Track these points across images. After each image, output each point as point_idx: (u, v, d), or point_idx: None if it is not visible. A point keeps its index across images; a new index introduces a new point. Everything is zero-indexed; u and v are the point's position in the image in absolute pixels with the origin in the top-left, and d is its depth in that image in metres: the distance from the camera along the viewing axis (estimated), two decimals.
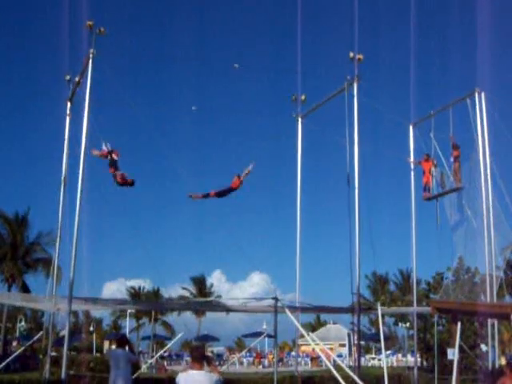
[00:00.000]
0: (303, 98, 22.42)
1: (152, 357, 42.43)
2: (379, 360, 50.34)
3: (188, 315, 70.75)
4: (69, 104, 19.09)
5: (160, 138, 17.76)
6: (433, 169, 23.16)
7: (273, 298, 16.54)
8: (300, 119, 22.82)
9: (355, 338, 22.73)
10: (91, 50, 16.17)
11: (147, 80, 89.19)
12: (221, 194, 18.76)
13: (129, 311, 57.21)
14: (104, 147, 17.10)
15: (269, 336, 39.92)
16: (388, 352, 55.97)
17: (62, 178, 18.53)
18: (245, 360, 55.40)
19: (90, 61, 16.09)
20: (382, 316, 21.39)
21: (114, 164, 17.09)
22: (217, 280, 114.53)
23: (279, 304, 16.45)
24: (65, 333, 17.58)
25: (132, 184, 17.31)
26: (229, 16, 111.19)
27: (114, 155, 17.08)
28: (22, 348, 30.44)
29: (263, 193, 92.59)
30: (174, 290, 77.25)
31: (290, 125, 22.90)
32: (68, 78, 18.88)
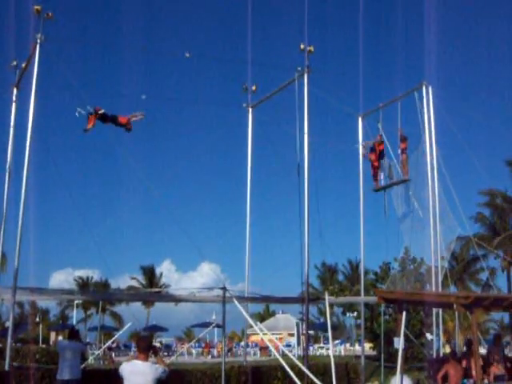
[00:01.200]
0: (254, 88, 22.43)
1: (100, 348, 41.93)
2: (327, 349, 50.84)
3: (137, 305, 70.26)
4: (15, 90, 18.65)
5: (108, 126, 17.38)
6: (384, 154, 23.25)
7: (221, 288, 16.54)
8: (250, 109, 22.81)
9: (304, 327, 22.93)
10: (39, 35, 15.84)
11: (95, 67, 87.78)
12: (105, 118, 17.59)
13: (76, 302, 56.53)
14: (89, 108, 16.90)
15: (218, 326, 39.96)
16: (336, 341, 56.71)
17: (7, 165, 18.09)
18: (194, 350, 55.29)
19: (38, 46, 15.75)
20: (331, 306, 21.60)
21: (106, 117, 16.99)
22: (166, 270, 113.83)
23: (228, 294, 16.45)
24: (9, 324, 17.27)
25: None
26: (180, 4, 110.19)
27: (98, 112, 16.87)
28: None
29: (213, 182, 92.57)
30: (123, 280, 76.71)
31: (241, 115, 22.89)
32: (15, 63, 18.47)
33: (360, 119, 24.47)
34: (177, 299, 20.00)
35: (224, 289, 16.36)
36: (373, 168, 23.54)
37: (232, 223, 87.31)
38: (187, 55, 19.59)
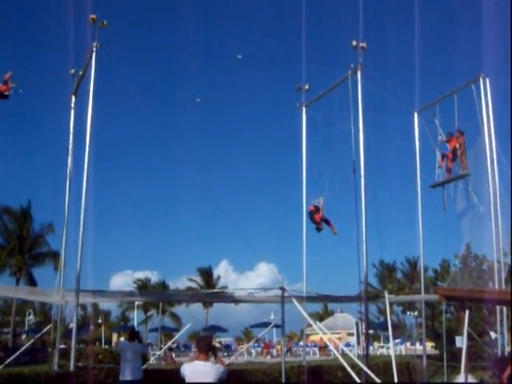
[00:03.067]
0: (307, 87, 22.33)
1: (160, 348, 42.49)
2: (387, 348, 50.29)
3: (196, 306, 70.87)
4: (73, 98, 19.07)
5: (165, 129, 17.66)
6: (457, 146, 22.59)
7: (279, 288, 16.52)
8: (304, 108, 22.72)
9: (363, 326, 22.71)
10: (95, 43, 16.13)
11: (152, 72, 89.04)
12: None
13: (136, 303, 57.39)
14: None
15: (276, 326, 39.96)
16: (396, 340, 55.97)
17: (68, 170, 18.52)
18: (253, 350, 55.45)
19: (94, 54, 16.04)
20: (390, 304, 21.35)
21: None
22: (224, 270, 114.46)
23: (286, 294, 16.42)
24: (73, 325, 17.64)
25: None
26: (233, 6, 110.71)
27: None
28: (31, 341, 30.61)
29: (269, 182, 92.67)
30: (181, 282, 77.49)
31: (295, 114, 22.83)
32: (72, 71, 18.90)
33: (416, 114, 24.09)
34: (236, 299, 20.08)
35: (282, 289, 16.34)
36: (448, 159, 22.80)
37: (288, 222, 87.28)
38: (239, 57, 19.66)
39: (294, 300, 16.52)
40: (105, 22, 16.18)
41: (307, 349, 36.19)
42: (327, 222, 19.60)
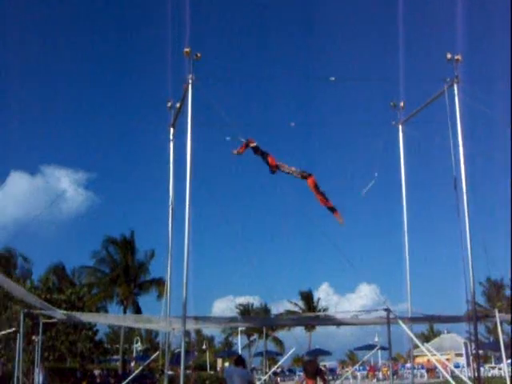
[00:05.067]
0: (402, 104, 22.03)
1: (266, 373, 42.56)
2: (499, 369, 48.23)
3: (298, 330, 70.62)
4: (172, 129, 19.59)
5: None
6: None
7: (385, 310, 16.24)
8: (400, 126, 22.40)
9: (473, 347, 21.89)
10: (190, 76, 16.52)
11: (245, 99, 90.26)
12: (256, 150, 17.35)
13: (240, 328, 57.82)
14: (242, 140, 17.29)
15: (382, 348, 39.21)
16: (509, 361, 53.62)
17: (170, 201, 19.02)
18: (358, 374, 54.61)
19: (190, 86, 16.44)
20: (501, 323, 20.52)
21: (257, 149, 17.27)
22: (324, 293, 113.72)
23: (391, 315, 16.12)
24: (179, 351, 17.96)
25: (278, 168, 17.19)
26: (323, 27, 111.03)
27: (251, 144, 17.22)
28: (140, 368, 31.38)
29: (368, 201, 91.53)
30: (282, 306, 77.39)
31: (391, 132, 22.54)
32: (169, 104, 19.40)
33: None
34: (339, 322, 19.90)
35: (388, 310, 16.05)
36: None
37: (388, 241, 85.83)
38: (332, 79, 19.60)
39: (400, 321, 16.19)
40: (198, 55, 16.57)
41: (414, 371, 35.23)
42: (332, 209, 18.32)
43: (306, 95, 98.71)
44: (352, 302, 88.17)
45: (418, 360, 58.57)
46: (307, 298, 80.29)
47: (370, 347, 44.43)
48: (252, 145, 17.13)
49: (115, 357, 64.97)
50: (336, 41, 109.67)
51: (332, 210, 17.76)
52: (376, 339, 48.46)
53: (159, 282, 52.31)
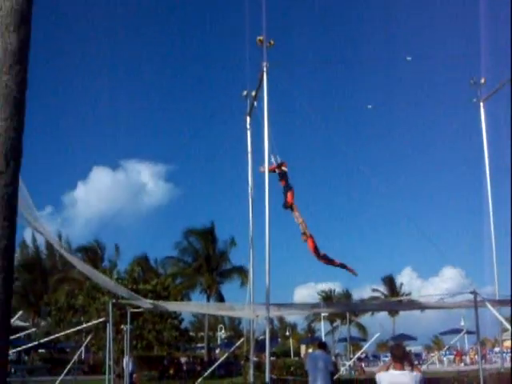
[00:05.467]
0: (483, 81, 21.40)
1: (350, 358, 42.41)
2: None
3: (381, 315, 69.98)
4: (248, 118, 19.68)
5: (342, 138, 17.78)
6: None
7: (471, 293, 15.87)
8: (482, 103, 21.77)
9: None
10: (264, 64, 16.53)
11: (322, 83, 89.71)
12: (283, 178, 17.06)
13: (322, 315, 57.74)
14: (273, 160, 17.07)
15: (468, 332, 38.32)
16: None
17: (249, 189, 19.16)
18: (444, 359, 53.59)
19: (265, 74, 16.46)
20: None
21: (284, 176, 17.00)
22: (407, 277, 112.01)
23: (479, 298, 15.73)
24: (262, 338, 18.14)
25: (291, 208, 16.85)
26: (402, 5, 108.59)
27: (283, 167, 17.01)
28: (225, 355, 31.87)
29: (449, 182, 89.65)
30: (365, 291, 76.85)
31: (472, 110, 21.95)
32: (245, 93, 19.48)
33: None
34: (424, 306, 19.59)
35: (475, 293, 15.67)
36: None
37: (472, 223, 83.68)
38: (408, 59, 19.29)
39: (488, 304, 15.79)
40: (271, 42, 16.58)
41: (503, 355, 34.31)
42: (342, 266, 17.34)
43: (383, 76, 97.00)
44: (436, 285, 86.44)
45: (507, 344, 56.94)
46: (389, 282, 79.37)
47: (455, 331, 43.41)
48: (284, 169, 16.91)
49: (200, 345, 66.21)
50: (413, 19, 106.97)
51: (342, 266, 17.28)
52: (462, 323, 47.32)
53: (240, 270, 52.94)
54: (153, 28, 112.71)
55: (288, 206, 16.74)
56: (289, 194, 16.76)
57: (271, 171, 16.90)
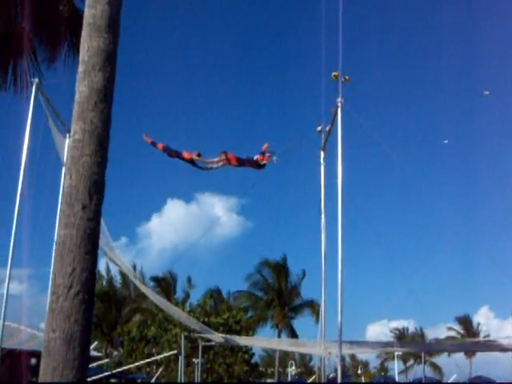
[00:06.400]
0: None
1: None
2: None
3: (457, 355, 67.56)
4: (322, 153, 19.66)
5: (418, 175, 17.51)
6: None
7: None
8: None
9: None
10: (339, 99, 16.51)
11: (397, 119, 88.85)
12: (168, 151, 17.24)
13: (396, 353, 56.36)
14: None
15: None
16: None
17: (322, 223, 19.05)
18: None
19: (339, 110, 16.43)
20: None
21: (166, 150, 17.28)
22: (484, 317, 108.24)
23: None
24: (333, 375, 17.83)
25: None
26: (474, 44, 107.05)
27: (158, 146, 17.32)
28: None
29: None
30: (439, 330, 74.61)
31: None
32: (319, 128, 19.47)
33: None
34: (504, 348, 18.85)
35: None
36: None
37: None
38: (486, 93, 18.91)
39: None
40: (347, 77, 16.56)
41: None
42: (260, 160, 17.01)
43: (460, 111, 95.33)
44: None
45: None
46: (465, 322, 76.89)
47: None
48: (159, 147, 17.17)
49: (270, 380, 65.61)
50: (494, 53, 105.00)
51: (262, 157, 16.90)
52: None
53: (312, 305, 52.47)
54: (229, 62, 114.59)
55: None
56: (185, 155, 17.00)
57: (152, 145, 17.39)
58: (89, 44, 5.62)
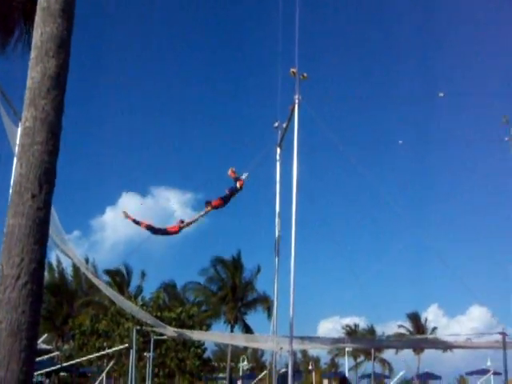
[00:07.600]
0: None
1: None
2: None
3: (406, 352, 68.60)
4: (278, 149, 19.67)
5: (372, 176, 17.65)
6: None
7: (500, 333, 15.56)
8: None
9: None
10: (296, 96, 16.55)
11: (352, 119, 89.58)
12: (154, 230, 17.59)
13: (346, 349, 57.01)
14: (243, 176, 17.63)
15: (495, 373, 37.47)
16: None
17: (276, 220, 19.05)
18: None
19: (296, 106, 16.46)
20: None
21: (234, 191, 17.47)
22: (433, 315, 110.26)
23: (508, 339, 15.42)
24: (284, 371, 17.92)
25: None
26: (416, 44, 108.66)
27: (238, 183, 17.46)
28: None
29: (479, 220, 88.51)
30: (390, 327, 75.68)
31: (504, 149, 21.71)
32: (276, 124, 19.46)
33: None
34: (451, 346, 19.22)
35: (503, 334, 15.37)
36: None
37: (503, 261, 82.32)
38: (441, 95, 19.21)
39: None
40: (305, 75, 16.60)
41: None
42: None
43: (414, 112, 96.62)
44: (462, 324, 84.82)
45: None
46: (415, 319, 78.17)
47: (482, 372, 42.56)
48: (238, 186, 17.40)
49: (221, 375, 65.61)
50: (448, 55, 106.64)
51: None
52: (488, 363, 46.31)
53: (265, 300, 52.65)
54: (183, 58, 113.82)
55: (209, 205, 17.17)
56: (219, 200, 17.24)
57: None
58: (42, 29, 5.49)
